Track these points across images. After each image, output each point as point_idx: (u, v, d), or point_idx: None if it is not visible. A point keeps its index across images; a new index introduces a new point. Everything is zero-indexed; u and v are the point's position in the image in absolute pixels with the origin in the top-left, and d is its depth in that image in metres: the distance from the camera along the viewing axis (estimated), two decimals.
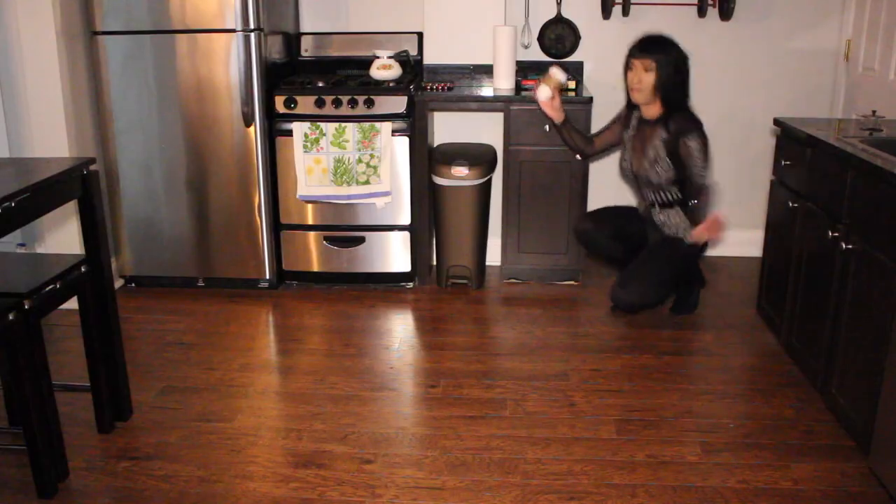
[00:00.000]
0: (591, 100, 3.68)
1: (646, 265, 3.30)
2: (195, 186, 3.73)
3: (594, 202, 4.14)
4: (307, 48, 4.12)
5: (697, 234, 3.20)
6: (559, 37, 4.08)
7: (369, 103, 3.63)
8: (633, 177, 3.38)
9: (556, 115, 3.42)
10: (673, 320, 3.49)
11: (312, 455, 2.48)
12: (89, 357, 2.53)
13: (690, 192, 3.24)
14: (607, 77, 4.12)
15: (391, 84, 3.74)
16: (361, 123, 3.62)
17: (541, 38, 4.09)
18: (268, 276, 3.84)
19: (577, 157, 3.62)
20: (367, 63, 3.88)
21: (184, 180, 3.72)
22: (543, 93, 3.34)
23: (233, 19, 3.50)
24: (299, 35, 4.13)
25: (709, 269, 4.09)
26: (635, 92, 3.21)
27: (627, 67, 3.23)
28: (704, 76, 4.11)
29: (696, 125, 3.18)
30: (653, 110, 3.24)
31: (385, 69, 3.79)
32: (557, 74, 3.35)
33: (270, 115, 3.68)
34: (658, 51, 3.16)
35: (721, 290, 3.83)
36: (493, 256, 4.02)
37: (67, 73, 3.48)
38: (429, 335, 3.40)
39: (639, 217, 3.48)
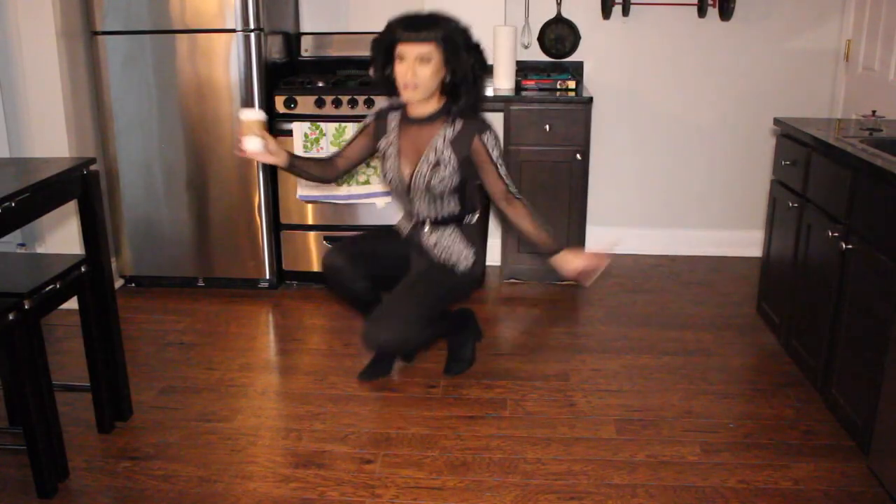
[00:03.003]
0: (590, 100, 3.67)
1: (405, 296, 2.62)
2: (195, 186, 3.73)
3: (594, 202, 4.15)
4: (307, 48, 4.12)
5: (575, 262, 2.57)
6: (559, 37, 4.08)
7: (369, 103, 3.63)
8: (404, 190, 2.66)
9: (278, 159, 2.56)
10: (673, 320, 3.49)
11: (312, 455, 2.48)
12: (89, 357, 2.53)
13: (472, 205, 2.72)
14: (607, 77, 4.12)
15: None
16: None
17: (541, 38, 4.10)
18: (268, 276, 3.84)
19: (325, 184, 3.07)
20: (367, 63, 3.87)
21: (184, 180, 3.72)
22: (253, 144, 2.48)
23: (233, 19, 3.50)
24: (299, 35, 4.13)
25: (709, 270, 4.10)
26: (409, 89, 2.47)
27: (392, 58, 2.48)
28: (704, 76, 4.11)
29: (487, 121, 2.64)
30: (427, 106, 2.58)
31: None
32: (250, 115, 2.53)
33: (270, 115, 3.68)
34: (435, 31, 2.44)
35: (721, 290, 3.83)
36: (493, 256, 4.02)
37: (67, 73, 3.48)
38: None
39: (401, 242, 2.80)
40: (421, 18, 2.45)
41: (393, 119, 2.64)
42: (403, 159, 2.63)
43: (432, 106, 2.58)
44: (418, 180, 2.59)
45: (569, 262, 2.56)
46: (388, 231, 2.89)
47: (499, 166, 2.57)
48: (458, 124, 2.56)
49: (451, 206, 2.67)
